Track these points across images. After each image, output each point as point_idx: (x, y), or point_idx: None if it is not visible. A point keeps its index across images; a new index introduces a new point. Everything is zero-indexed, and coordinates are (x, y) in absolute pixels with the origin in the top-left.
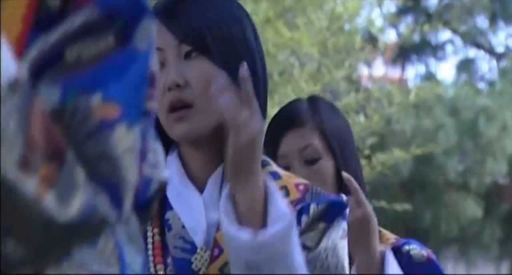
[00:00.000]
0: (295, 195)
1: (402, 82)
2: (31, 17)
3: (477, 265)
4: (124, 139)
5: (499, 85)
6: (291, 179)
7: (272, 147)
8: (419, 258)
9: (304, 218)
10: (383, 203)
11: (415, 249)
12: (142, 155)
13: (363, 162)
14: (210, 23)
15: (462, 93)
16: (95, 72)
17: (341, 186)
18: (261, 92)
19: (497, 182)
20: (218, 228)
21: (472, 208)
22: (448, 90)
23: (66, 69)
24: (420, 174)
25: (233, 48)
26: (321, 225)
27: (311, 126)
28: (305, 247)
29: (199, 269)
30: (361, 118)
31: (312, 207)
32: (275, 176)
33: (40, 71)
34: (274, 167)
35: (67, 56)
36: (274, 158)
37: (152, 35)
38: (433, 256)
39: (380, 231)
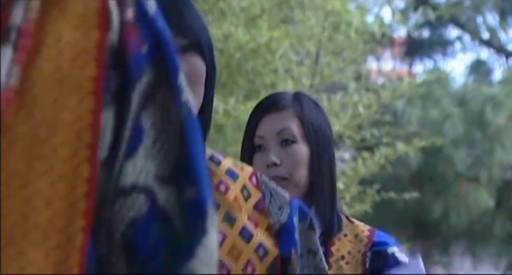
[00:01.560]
0: (256, 194)
1: (411, 76)
2: (104, 57)
3: (486, 258)
4: None
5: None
6: (244, 173)
7: (251, 127)
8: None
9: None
10: (392, 194)
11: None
12: None
13: (365, 155)
14: (198, 21)
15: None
16: None
17: (313, 174)
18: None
19: (507, 172)
20: None
21: (483, 199)
22: (455, 85)
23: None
24: (428, 165)
25: (211, 45)
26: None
27: (292, 112)
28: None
29: None
30: (360, 108)
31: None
32: (233, 175)
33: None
34: (226, 162)
35: (144, 125)
36: (252, 138)
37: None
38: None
39: (352, 222)
